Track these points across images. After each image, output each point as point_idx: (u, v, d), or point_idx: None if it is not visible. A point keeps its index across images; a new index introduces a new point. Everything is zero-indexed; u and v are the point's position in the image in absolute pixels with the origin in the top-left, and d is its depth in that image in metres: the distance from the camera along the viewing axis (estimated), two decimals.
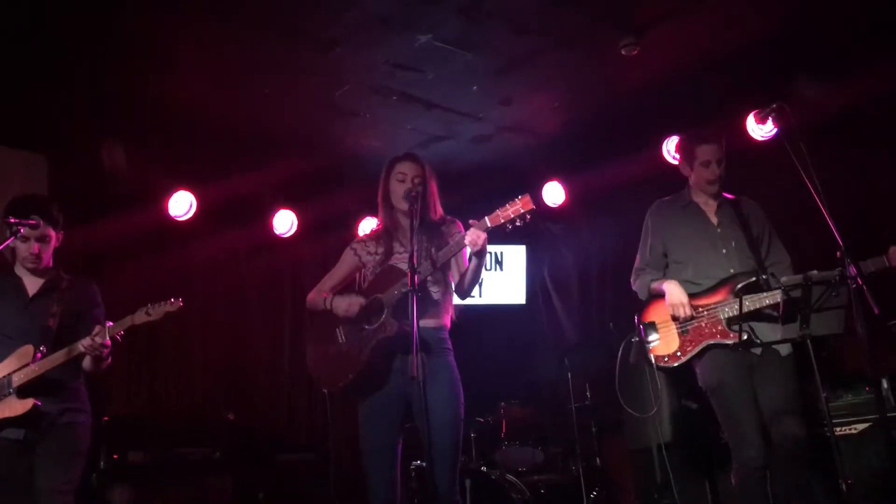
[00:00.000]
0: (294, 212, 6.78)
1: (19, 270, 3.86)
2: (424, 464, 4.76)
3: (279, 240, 6.80)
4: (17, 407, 3.54)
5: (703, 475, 4.92)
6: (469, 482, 5.17)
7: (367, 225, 6.75)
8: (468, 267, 3.48)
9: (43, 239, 3.79)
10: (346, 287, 3.75)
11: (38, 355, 3.61)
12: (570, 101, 5.79)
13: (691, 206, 4.05)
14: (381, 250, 3.61)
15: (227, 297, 6.68)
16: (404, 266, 3.34)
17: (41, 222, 3.73)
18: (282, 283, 6.93)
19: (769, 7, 4.72)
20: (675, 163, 5.89)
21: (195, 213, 6.25)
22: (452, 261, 3.54)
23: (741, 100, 5.40)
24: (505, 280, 7.24)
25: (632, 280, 4.16)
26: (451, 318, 3.62)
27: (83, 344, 3.59)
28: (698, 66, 5.24)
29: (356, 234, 6.35)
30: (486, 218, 3.29)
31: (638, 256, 4.15)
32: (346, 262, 3.75)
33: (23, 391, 3.56)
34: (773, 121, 3.65)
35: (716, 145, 3.96)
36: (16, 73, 4.82)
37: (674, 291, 3.84)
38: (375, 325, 3.41)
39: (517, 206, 3.23)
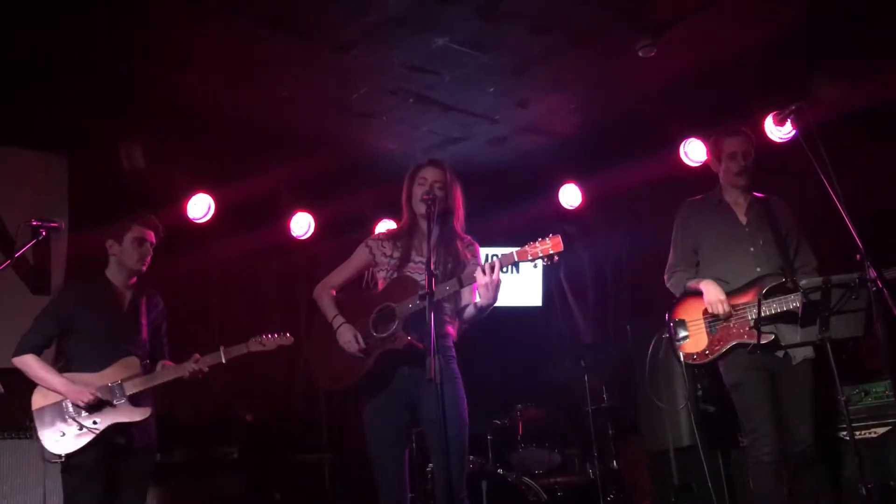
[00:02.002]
0: (311, 214, 6.80)
1: (114, 279, 3.99)
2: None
3: (296, 241, 6.82)
4: (135, 413, 3.77)
5: (721, 478, 4.89)
6: (485, 484, 5.16)
7: (384, 227, 6.75)
8: (475, 307, 3.48)
9: (152, 247, 4.01)
10: (353, 284, 3.77)
11: (143, 367, 3.84)
12: (587, 102, 5.77)
13: (722, 204, 4.09)
14: (396, 254, 3.60)
15: (244, 298, 6.72)
16: (419, 278, 3.38)
17: (63, 224, 3.81)
18: (298, 284, 6.95)
19: (786, 7, 4.69)
20: (693, 164, 5.95)
21: (213, 215, 6.29)
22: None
23: (759, 101, 5.36)
24: (521, 282, 7.23)
25: (666, 278, 4.20)
26: (462, 325, 3.63)
27: (189, 370, 3.87)
28: (715, 68, 5.21)
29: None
30: (514, 252, 3.28)
31: (671, 254, 4.20)
32: (359, 258, 3.74)
33: (132, 401, 3.78)
34: (792, 122, 3.66)
35: (742, 137, 4.03)
36: (35, 74, 4.86)
37: (712, 290, 3.87)
38: (385, 335, 3.41)
39: (547, 246, 3.23)
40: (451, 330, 3.57)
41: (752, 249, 3.93)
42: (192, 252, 6.26)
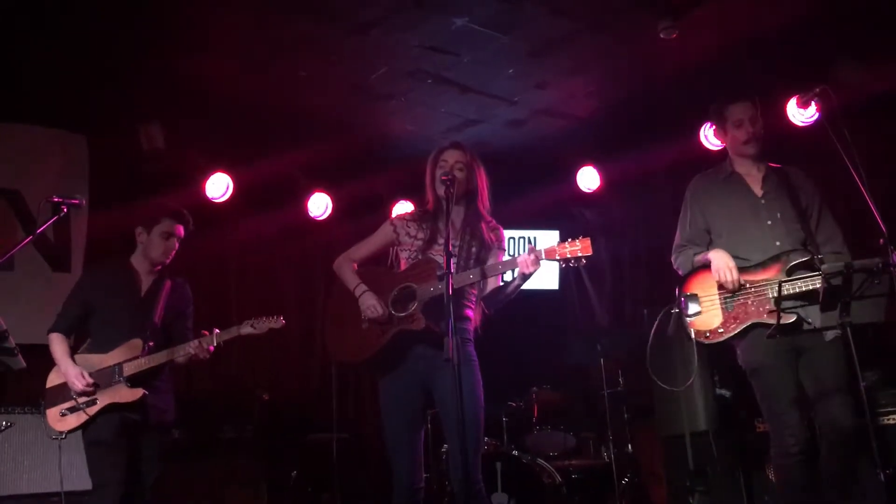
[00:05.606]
0: (329, 195, 6.81)
1: (137, 264, 4.09)
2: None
3: (314, 222, 6.84)
4: (127, 394, 3.81)
5: (737, 464, 4.88)
6: (500, 466, 5.18)
7: (401, 208, 6.75)
8: (509, 284, 3.50)
9: (179, 241, 4.10)
10: (376, 260, 3.77)
11: (146, 349, 3.88)
12: (607, 84, 5.73)
13: (733, 176, 3.83)
14: (421, 236, 3.59)
15: (261, 278, 6.75)
16: (443, 260, 3.34)
17: (84, 201, 3.82)
18: (315, 265, 6.98)
19: None
20: (713, 148, 5.88)
21: (231, 195, 6.31)
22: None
23: (782, 84, 5.29)
24: None
25: (672, 258, 3.95)
26: (484, 311, 3.62)
27: (192, 347, 3.89)
28: (738, 50, 5.14)
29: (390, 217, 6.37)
30: (543, 249, 3.29)
31: (678, 233, 3.95)
32: (382, 235, 3.75)
33: (131, 381, 3.83)
34: (816, 105, 3.57)
35: (747, 103, 3.77)
36: (55, 54, 4.88)
37: (720, 256, 3.61)
38: (403, 314, 3.41)
39: (576, 248, 3.22)
40: (471, 314, 3.57)
41: (769, 222, 3.67)
42: (210, 231, 6.27)
